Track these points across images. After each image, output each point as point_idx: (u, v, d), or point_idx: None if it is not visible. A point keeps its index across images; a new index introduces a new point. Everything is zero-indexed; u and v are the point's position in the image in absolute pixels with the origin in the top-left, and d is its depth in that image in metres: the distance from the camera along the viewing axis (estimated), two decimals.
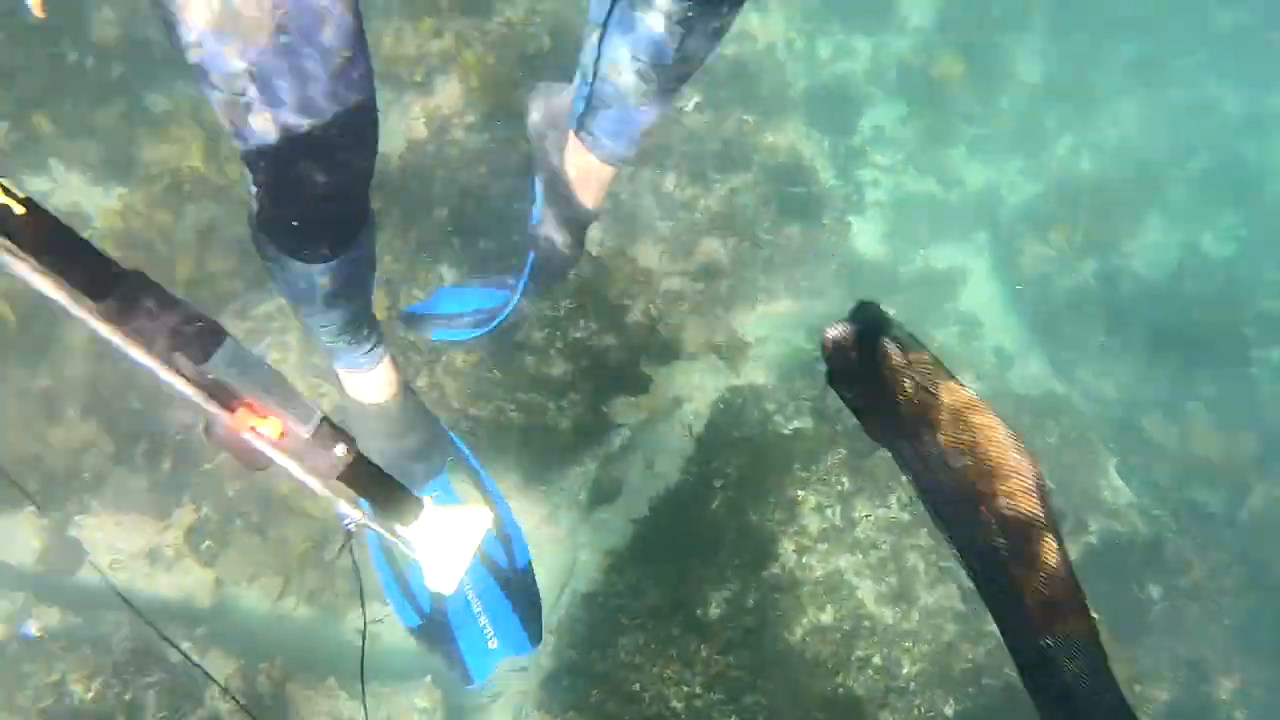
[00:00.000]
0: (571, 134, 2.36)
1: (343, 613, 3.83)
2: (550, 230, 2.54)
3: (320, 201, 1.68)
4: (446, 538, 1.33)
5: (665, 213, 4.69)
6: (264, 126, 1.52)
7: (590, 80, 2.22)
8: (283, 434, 1.12)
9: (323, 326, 2.15)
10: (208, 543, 3.71)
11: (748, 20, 6.21)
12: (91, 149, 4.35)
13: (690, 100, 4.93)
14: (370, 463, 1.25)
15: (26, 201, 0.97)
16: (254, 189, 1.70)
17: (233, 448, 1.14)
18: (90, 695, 3.32)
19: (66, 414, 3.48)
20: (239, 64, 1.44)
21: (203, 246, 3.90)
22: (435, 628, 2.64)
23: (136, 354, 1.06)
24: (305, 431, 1.13)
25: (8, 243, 0.97)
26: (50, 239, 1.00)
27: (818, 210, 5.18)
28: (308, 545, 3.71)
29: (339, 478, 1.20)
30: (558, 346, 3.89)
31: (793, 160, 5.29)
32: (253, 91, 1.47)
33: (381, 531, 1.30)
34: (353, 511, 1.24)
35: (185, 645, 3.54)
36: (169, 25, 1.43)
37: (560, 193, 2.44)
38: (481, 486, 2.74)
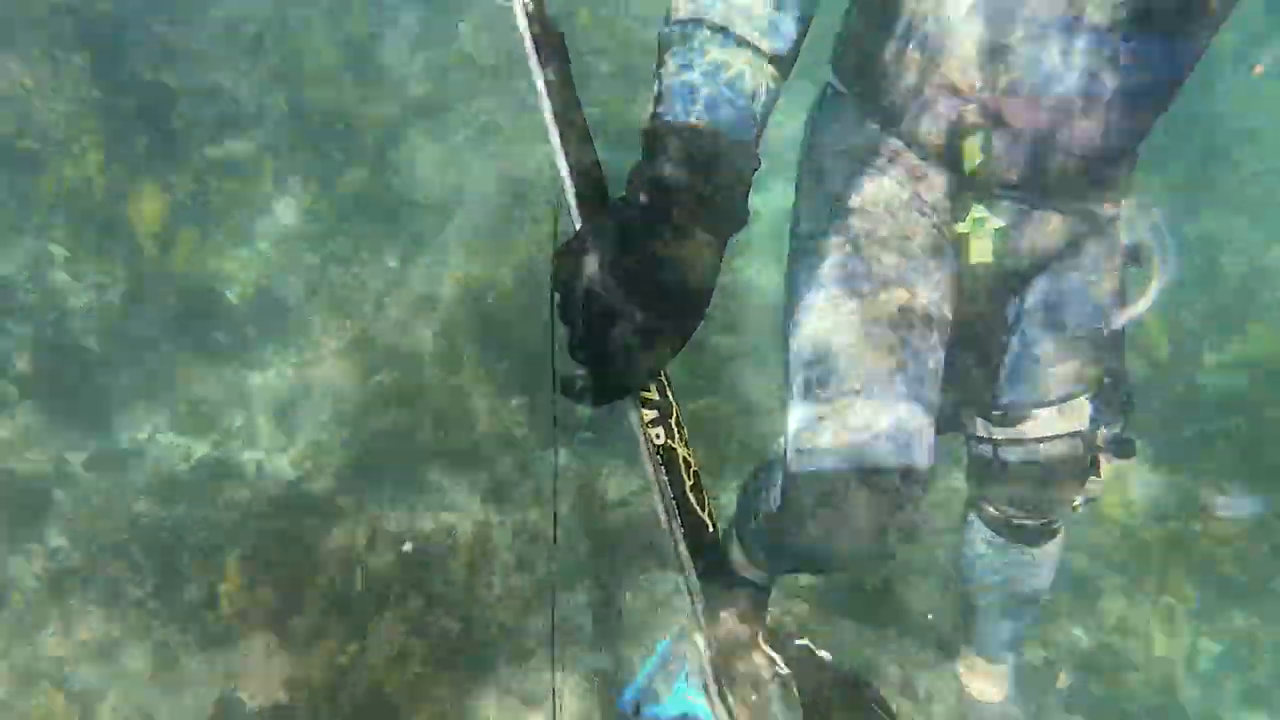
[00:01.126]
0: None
1: None
2: None
3: (854, 540, 1.50)
4: None
5: (1019, 691, 3.83)
6: (832, 437, 1.47)
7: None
8: None
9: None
10: None
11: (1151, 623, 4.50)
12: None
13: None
14: None
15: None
16: (780, 509, 1.60)
17: None
18: None
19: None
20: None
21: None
22: None
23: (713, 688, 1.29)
24: None
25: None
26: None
27: None
28: None
29: None
30: None
31: None
32: (853, 399, 1.46)
33: None
34: None
35: None
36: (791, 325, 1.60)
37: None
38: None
